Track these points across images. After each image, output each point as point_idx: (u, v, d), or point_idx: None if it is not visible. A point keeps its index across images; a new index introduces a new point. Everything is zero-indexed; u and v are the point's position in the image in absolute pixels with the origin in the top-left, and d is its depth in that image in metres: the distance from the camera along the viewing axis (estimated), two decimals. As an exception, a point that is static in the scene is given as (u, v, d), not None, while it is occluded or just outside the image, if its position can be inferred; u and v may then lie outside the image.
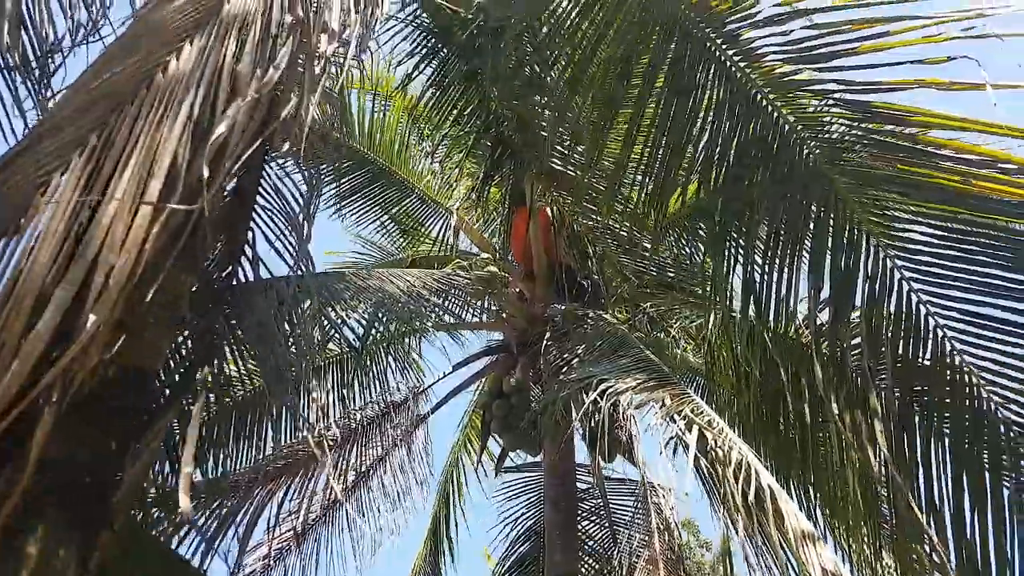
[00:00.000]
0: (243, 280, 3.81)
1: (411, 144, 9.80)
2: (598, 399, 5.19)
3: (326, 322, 6.00)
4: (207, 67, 2.76)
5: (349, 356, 8.58)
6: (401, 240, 10.35)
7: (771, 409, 6.09)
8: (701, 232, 7.38)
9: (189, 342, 3.60)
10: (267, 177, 3.88)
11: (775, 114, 4.94)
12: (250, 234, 3.76)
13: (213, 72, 2.77)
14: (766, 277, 5.09)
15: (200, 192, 2.45)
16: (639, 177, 5.74)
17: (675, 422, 4.98)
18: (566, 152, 7.45)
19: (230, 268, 3.70)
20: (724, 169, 5.13)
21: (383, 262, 10.48)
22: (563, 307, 8.37)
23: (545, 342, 7.86)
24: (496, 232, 9.59)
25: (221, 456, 6.67)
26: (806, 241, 4.99)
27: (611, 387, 5.25)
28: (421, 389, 9.07)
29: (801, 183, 4.89)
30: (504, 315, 9.09)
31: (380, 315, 7.03)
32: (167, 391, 3.32)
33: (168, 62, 2.79)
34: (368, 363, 8.72)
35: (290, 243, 3.77)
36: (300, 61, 3.10)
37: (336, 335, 7.23)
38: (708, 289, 5.55)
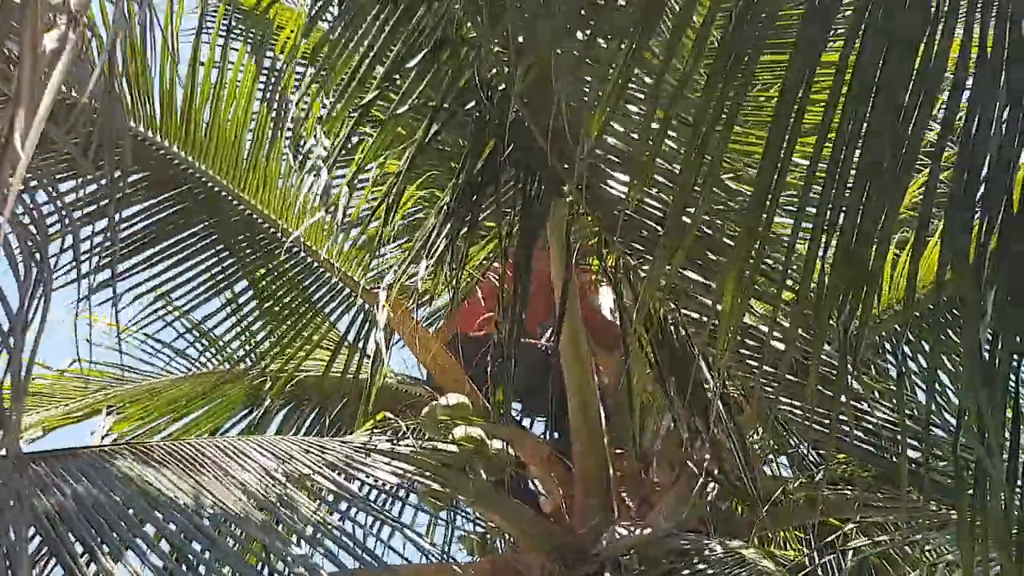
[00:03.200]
0: None
1: (278, 140, 4.53)
2: None
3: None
4: None
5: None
6: (259, 340, 5.06)
7: None
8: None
9: None
10: None
11: None
12: None
13: None
14: None
15: None
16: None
17: None
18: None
19: None
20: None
21: (204, 382, 5.16)
22: (639, 529, 3.79)
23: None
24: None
25: None
26: None
27: None
28: None
29: None
30: (503, 547, 4.30)
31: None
32: None
33: None
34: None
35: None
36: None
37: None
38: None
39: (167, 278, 4.91)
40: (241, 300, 5.01)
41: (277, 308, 4.94)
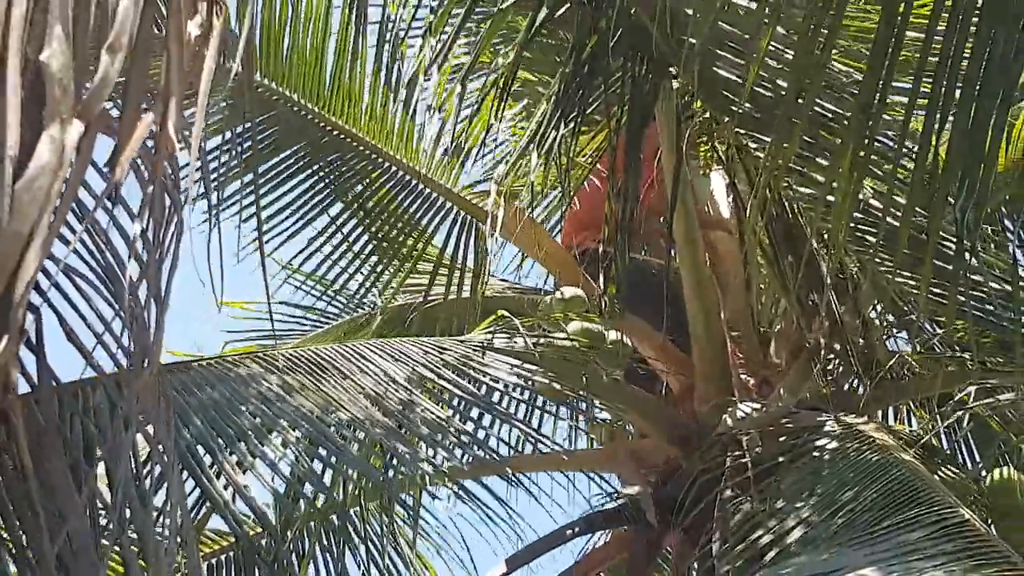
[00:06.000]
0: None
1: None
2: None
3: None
4: None
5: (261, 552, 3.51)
6: (375, 268, 5.01)
7: None
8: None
9: None
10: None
11: None
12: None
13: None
14: None
15: None
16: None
17: None
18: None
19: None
20: None
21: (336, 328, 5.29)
22: (759, 409, 3.76)
23: (723, 492, 3.47)
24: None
25: None
26: None
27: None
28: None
29: None
30: (624, 432, 4.25)
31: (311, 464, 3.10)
32: None
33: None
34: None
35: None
36: None
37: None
38: None
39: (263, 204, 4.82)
40: (345, 229, 4.94)
41: (378, 232, 4.89)
